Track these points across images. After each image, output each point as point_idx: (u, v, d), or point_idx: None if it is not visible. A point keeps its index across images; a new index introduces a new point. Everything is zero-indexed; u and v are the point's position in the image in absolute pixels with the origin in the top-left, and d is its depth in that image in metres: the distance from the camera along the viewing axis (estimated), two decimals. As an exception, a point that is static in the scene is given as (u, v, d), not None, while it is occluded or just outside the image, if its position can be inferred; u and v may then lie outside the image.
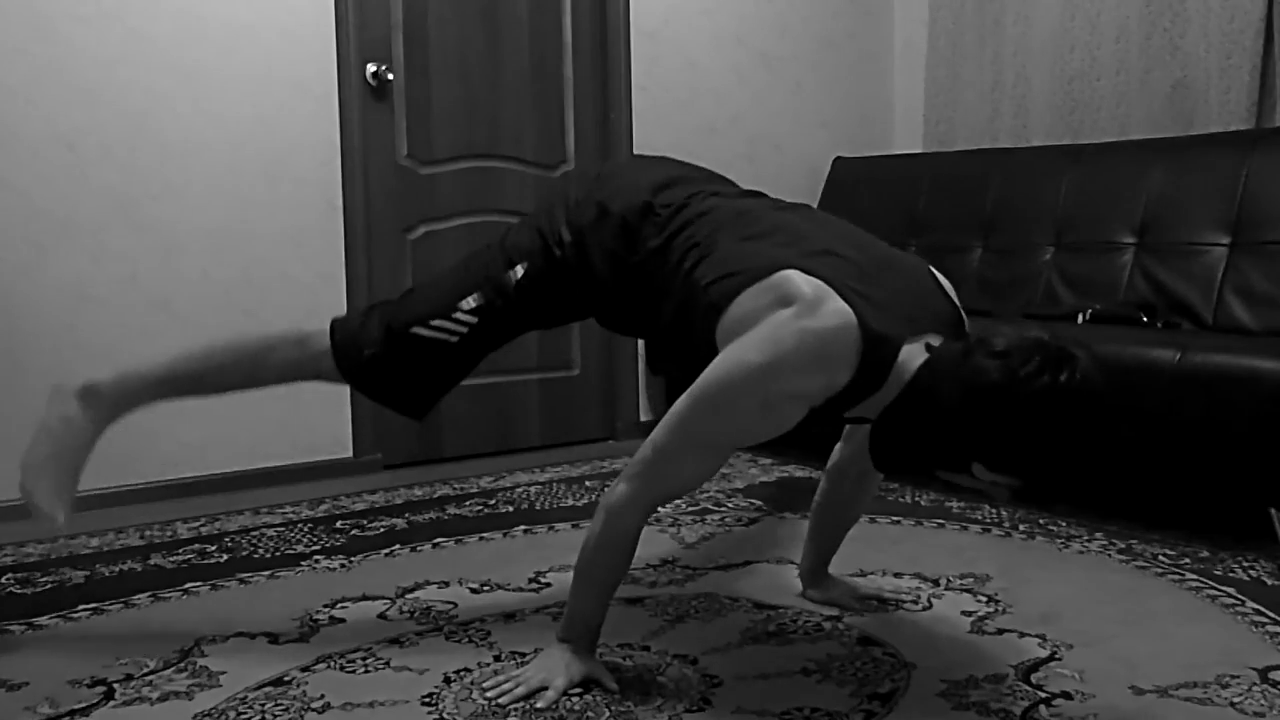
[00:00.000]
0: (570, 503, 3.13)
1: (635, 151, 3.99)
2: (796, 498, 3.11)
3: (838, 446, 2.18)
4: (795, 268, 1.70)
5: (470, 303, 2.01)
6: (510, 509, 3.07)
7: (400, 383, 2.07)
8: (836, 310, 1.64)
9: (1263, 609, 2.17)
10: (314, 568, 2.54)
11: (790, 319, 1.64)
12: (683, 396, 1.73)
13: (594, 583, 1.83)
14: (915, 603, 2.25)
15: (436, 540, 2.75)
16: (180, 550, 2.69)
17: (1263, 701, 1.76)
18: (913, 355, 1.66)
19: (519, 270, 2.00)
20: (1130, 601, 2.25)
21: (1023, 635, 2.06)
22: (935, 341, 1.68)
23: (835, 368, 1.65)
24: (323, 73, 3.41)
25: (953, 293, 1.85)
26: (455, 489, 3.32)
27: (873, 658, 1.96)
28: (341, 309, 3.47)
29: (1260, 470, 2.51)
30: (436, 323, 2.01)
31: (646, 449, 1.77)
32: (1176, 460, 2.64)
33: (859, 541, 2.31)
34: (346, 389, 3.48)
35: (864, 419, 1.78)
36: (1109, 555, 2.56)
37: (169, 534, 2.85)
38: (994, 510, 2.95)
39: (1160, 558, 2.53)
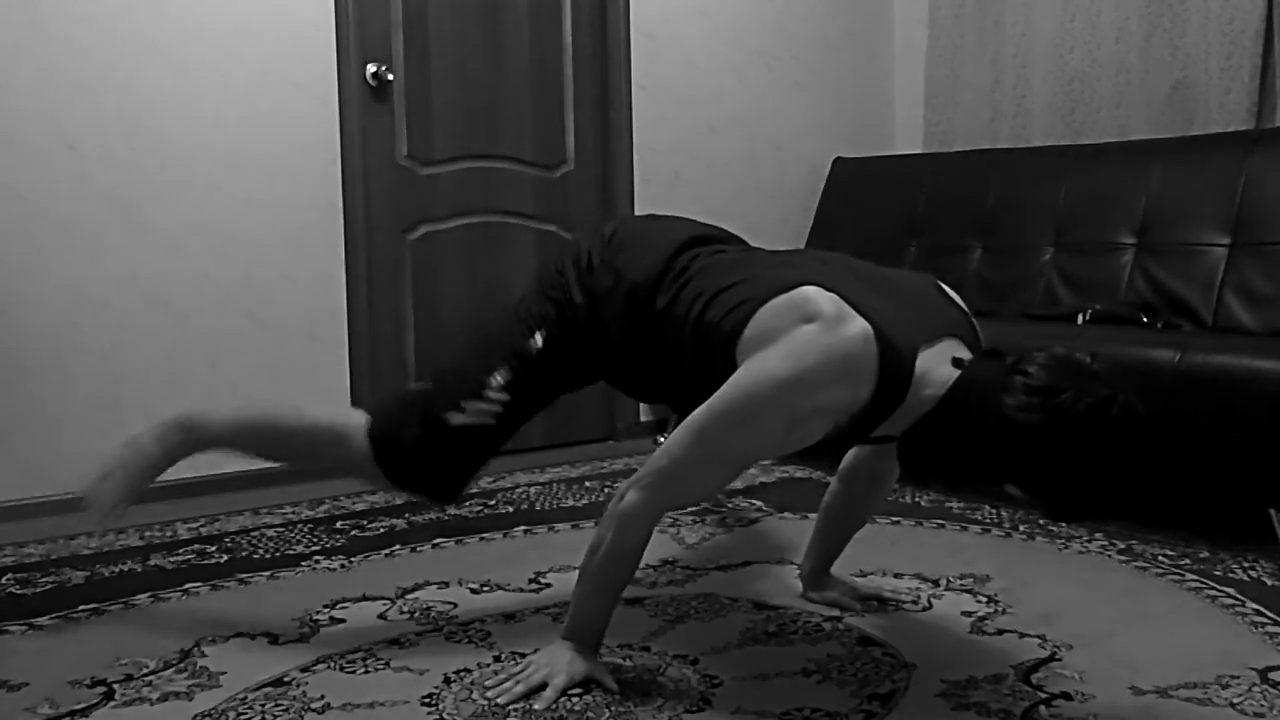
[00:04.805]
0: (570, 503, 3.13)
1: (636, 153, 4.01)
2: (796, 498, 3.11)
3: (851, 451, 2.17)
4: (813, 284, 1.70)
5: (499, 379, 2.00)
6: (510, 509, 3.07)
7: (440, 472, 2.07)
8: (857, 324, 1.64)
9: (1263, 609, 2.17)
10: (314, 568, 2.54)
11: (814, 334, 1.63)
12: (702, 408, 1.71)
13: (601, 588, 1.83)
14: (915, 603, 2.25)
15: (436, 540, 2.75)
16: (180, 550, 2.69)
17: (1263, 702, 1.76)
18: (931, 364, 1.66)
19: (538, 338, 2.00)
20: (1130, 601, 2.25)
21: (1023, 635, 2.06)
22: (959, 351, 1.69)
23: (858, 382, 1.64)
24: (323, 73, 3.41)
25: (960, 300, 1.86)
26: (455, 489, 3.32)
27: (873, 658, 1.96)
28: (341, 309, 3.47)
29: (1260, 471, 2.51)
30: (469, 405, 2.00)
31: (662, 458, 1.76)
32: (1176, 460, 2.63)
33: (859, 542, 2.31)
34: (346, 389, 3.50)
35: (890, 437, 1.77)
36: (1109, 555, 2.56)
37: (169, 534, 2.85)
38: (994, 510, 2.95)
39: (1160, 558, 2.53)
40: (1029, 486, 1.60)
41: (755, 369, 1.67)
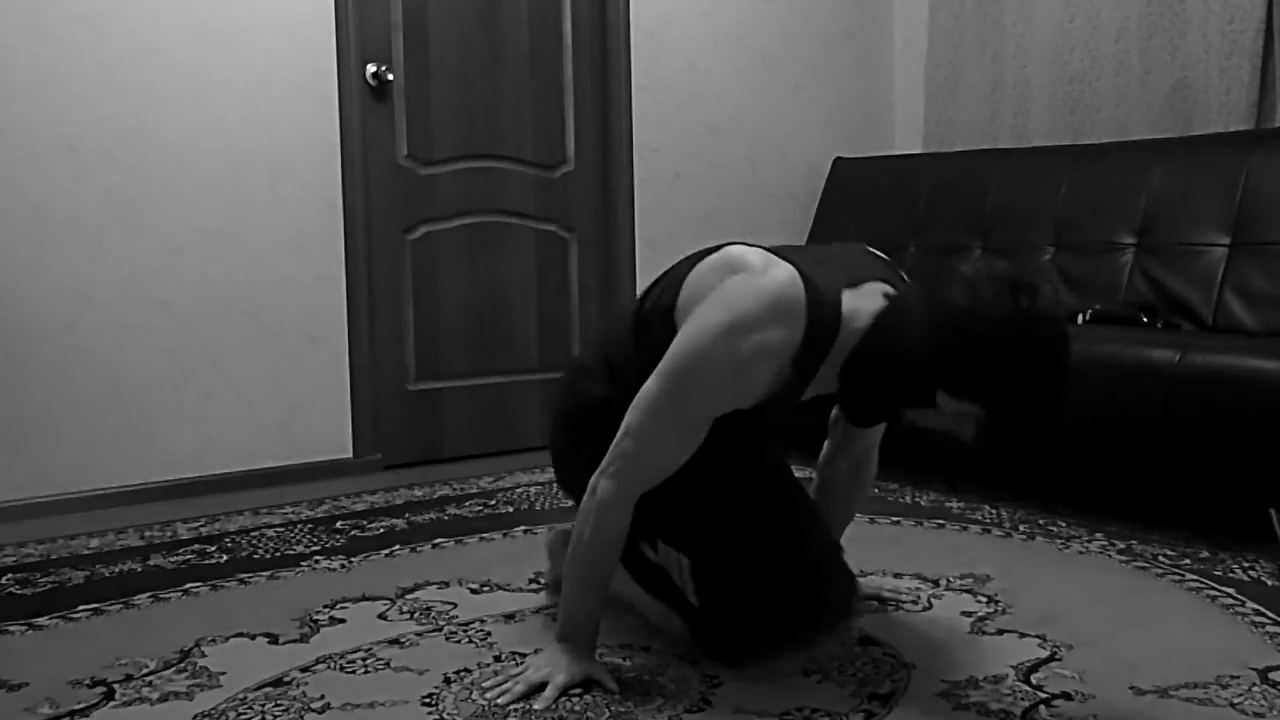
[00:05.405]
0: (570, 503, 3.13)
1: (636, 154, 4.01)
2: (796, 498, 3.10)
3: (826, 443, 2.19)
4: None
5: (645, 545, 2.03)
6: (510, 509, 3.07)
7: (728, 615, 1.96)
8: (783, 268, 1.73)
9: (1263, 609, 2.17)
10: (314, 568, 2.54)
11: (744, 281, 1.73)
12: (650, 379, 1.75)
13: (589, 583, 1.84)
14: (915, 603, 2.25)
15: (436, 540, 2.75)
16: (180, 550, 2.69)
17: (1263, 702, 1.76)
18: (859, 302, 1.74)
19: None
20: (1130, 601, 2.25)
21: (1023, 635, 2.06)
22: (888, 289, 1.78)
23: (790, 320, 1.70)
24: (323, 73, 3.41)
25: (888, 259, 1.96)
26: (455, 489, 3.32)
27: (873, 658, 1.96)
28: (341, 310, 3.47)
29: (1260, 470, 2.51)
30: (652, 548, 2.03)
31: (623, 440, 1.77)
32: (1176, 461, 2.64)
33: (859, 541, 2.31)
34: (346, 389, 3.50)
35: (832, 394, 1.82)
36: (1109, 555, 2.56)
37: (169, 534, 2.85)
38: (994, 510, 2.95)
39: (1160, 558, 2.53)
40: (958, 384, 1.60)
41: (693, 326, 1.74)
